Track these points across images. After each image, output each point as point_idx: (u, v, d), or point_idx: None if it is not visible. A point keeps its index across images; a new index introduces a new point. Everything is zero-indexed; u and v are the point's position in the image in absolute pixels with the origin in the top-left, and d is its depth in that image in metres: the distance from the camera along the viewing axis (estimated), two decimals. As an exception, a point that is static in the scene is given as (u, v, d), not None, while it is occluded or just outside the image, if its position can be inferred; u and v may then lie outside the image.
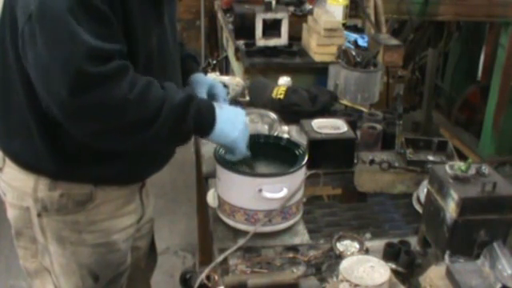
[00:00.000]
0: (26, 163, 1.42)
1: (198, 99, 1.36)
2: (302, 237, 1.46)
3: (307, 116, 1.92)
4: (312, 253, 1.36)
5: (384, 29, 2.98)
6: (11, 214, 1.51)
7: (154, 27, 1.39)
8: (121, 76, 1.21)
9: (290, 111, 2.04)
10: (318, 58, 2.63)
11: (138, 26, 1.31)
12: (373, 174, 1.70)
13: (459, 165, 1.25)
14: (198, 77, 1.65)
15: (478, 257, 1.19)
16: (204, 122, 1.36)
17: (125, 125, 1.25)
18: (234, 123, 1.40)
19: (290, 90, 2.11)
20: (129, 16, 1.28)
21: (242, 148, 1.42)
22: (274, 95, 2.10)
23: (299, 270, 1.30)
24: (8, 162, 1.46)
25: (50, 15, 1.16)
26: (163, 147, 1.44)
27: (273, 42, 2.69)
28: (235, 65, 2.97)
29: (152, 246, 1.85)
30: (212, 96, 1.62)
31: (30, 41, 1.19)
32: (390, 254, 1.31)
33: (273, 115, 1.92)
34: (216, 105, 1.41)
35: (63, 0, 1.15)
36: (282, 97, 2.08)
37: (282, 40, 2.70)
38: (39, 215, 1.45)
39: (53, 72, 1.17)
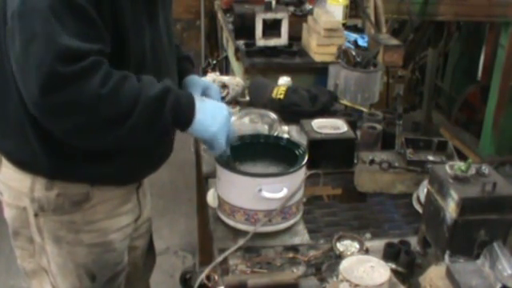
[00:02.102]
0: (22, 163, 1.42)
1: (176, 91, 1.34)
2: (301, 237, 1.46)
3: (307, 116, 1.92)
4: (312, 253, 1.37)
5: (384, 29, 2.98)
6: (8, 213, 1.51)
7: (147, 27, 1.38)
8: (92, 72, 1.20)
9: (290, 111, 2.04)
10: (318, 58, 2.63)
11: (130, 26, 1.30)
12: (373, 174, 1.70)
13: (459, 165, 1.25)
14: (193, 78, 1.64)
15: (478, 257, 1.19)
16: (182, 114, 1.33)
17: (99, 120, 1.23)
18: (214, 117, 1.37)
19: (289, 90, 2.11)
20: (119, 16, 1.27)
21: (222, 143, 1.39)
22: (274, 95, 2.09)
23: (299, 270, 1.30)
24: (4, 161, 1.46)
25: (29, 13, 1.16)
26: (143, 141, 1.41)
27: (273, 41, 2.69)
28: (235, 65, 2.97)
29: (150, 246, 1.85)
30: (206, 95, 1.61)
31: (12, 39, 1.20)
32: (390, 254, 1.31)
33: (273, 115, 1.92)
34: (197, 98, 1.38)
35: None
36: (281, 97, 2.08)
37: (282, 40, 2.70)
38: (36, 215, 1.45)
39: (27, 70, 1.17)
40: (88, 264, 1.52)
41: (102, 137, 1.29)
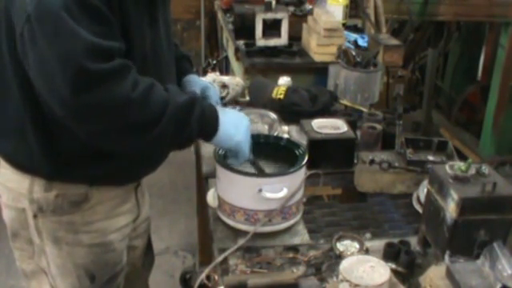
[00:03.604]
0: (21, 164, 1.42)
1: (201, 102, 1.36)
2: (301, 237, 1.46)
3: (307, 116, 1.92)
4: (312, 253, 1.36)
5: (384, 29, 2.98)
6: (7, 215, 1.51)
7: (148, 29, 1.38)
8: (122, 75, 1.21)
9: (290, 111, 2.04)
10: (318, 58, 2.63)
11: (134, 27, 1.31)
12: (373, 174, 1.70)
13: (459, 165, 1.25)
14: (191, 78, 1.65)
15: (478, 257, 1.19)
16: (208, 124, 1.35)
17: (128, 125, 1.24)
18: (237, 126, 1.40)
19: (290, 90, 2.11)
20: (125, 16, 1.27)
21: (246, 151, 1.42)
22: (274, 95, 2.10)
23: (299, 270, 1.30)
24: (2, 163, 1.45)
25: (47, 15, 1.16)
26: (165, 150, 1.43)
27: (273, 41, 2.69)
28: (235, 65, 2.97)
29: (149, 246, 1.85)
30: (204, 98, 1.62)
31: (30, 41, 1.19)
32: (389, 254, 1.31)
33: (273, 115, 1.92)
34: (219, 108, 1.40)
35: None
36: (281, 97, 2.08)
37: (282, 40, 2.70)
38: (35, 216, 1.44)
39: (54, 70, 1.16)
40: (87, 264, 1.52)
41: (128, 142, 1.29)
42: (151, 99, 1.24)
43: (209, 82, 1.73)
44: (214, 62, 3.83)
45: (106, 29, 1.21)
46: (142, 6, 1.34)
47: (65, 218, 1.45)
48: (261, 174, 1.47)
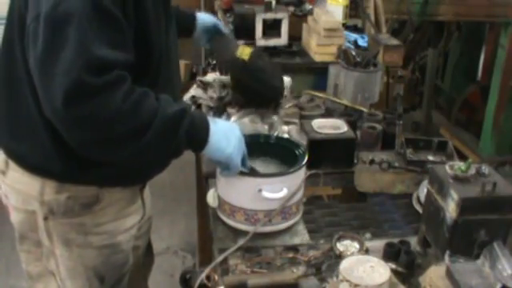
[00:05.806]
0: (34, 166, 1.41)
1: (192, 113, 1.33)
2: (302, 237, 1.46)
3: (264, 102, 1.85)
4: (312, 253, 1.36)
5: (384, 29, 2.98)
6: (15, 217, 1.50)
7: (164, 30, 1.39)
8: (116, 87, 1.19)
9: (251, 77, 1.88)
10: (318, 58, 2.62)
11: (153, 30, 1.31)
12: (373, 174, 1.70)
13: (459, 165, 1.25)
14: (201, 16, 1.93)
15: (477, 257, 1.19)
16: (198, 136, 1.33)
17: (116, 135, 1.22)
18: (228, 138, 1.37)
19: (255, 55, 1.91)
20: (144, 19, 1.27)
21: (237, 164, 1.37)
22: (238, 54, 1.90)
23: (299, 270, 1.30)
24: (12, 165, 1.44)
25: (61, 18, 1.14)
26: (154, 159, 1.41)
27: (273, 41, 2.69)
28: (235, 65, 2.96)
29: (148, 245, 1.85)
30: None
31: (33, 40, 1.17)
32: (390, 254, 1.31)
33: (273, 116, 1.91)
34: (210, 119, 1.37)
35: (79, 4, 1.13)
36: (246, 58, 1.89)
37: (282, 40, 2.69)
38: (45, 218, 1.44)
39: (52, 76, 1.14)
40: (97, 266, 1.52)
41: (116, 151, 1.27)
42: (141, 110, 1.22)
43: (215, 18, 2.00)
44: (214, 61, 3.82)
45: (119, 38, 1.20)
46: (159, 7, 1.34)
47: (75, 220, 1.44)
48: (261, 173, 1.47)
